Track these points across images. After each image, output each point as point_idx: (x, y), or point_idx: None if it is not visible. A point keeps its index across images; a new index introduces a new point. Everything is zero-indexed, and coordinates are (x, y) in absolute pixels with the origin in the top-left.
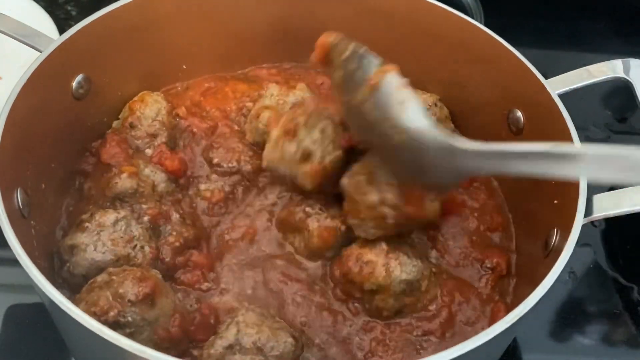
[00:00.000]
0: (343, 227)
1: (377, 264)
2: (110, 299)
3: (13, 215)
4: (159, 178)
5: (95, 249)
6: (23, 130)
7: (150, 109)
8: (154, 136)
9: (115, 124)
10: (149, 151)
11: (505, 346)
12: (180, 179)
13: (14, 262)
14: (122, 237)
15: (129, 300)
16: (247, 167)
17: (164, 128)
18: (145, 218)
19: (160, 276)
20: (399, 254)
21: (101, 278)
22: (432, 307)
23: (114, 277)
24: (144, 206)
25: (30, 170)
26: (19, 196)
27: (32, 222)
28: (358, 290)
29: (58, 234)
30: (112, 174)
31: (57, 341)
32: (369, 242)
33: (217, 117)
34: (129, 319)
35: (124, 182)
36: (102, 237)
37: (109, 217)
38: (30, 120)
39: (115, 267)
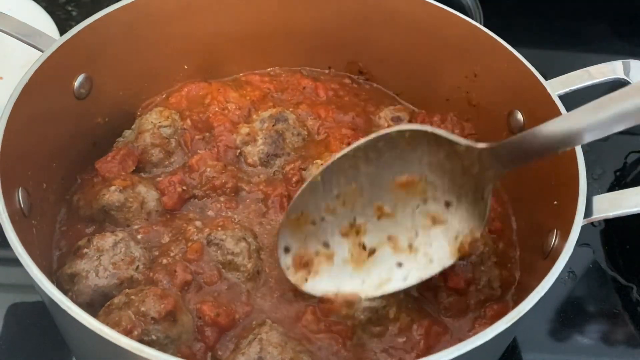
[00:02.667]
0: None
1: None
2: (133, 317)
3: (14, 214)
4: (151, 196)
5: (97, 275)
6: (25, 130)
7: (162, 124)
8: (168, 153)
9: (128, 134)
10: (159, 170)
11: (505, 346)
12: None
13: (15, 261)
14: (123, 260)
15: (152, 318)
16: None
17: (179, 146)
18: (139, 236)
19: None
20: None
21: (118, 299)
22: (403, 339)
23: (133, 297)
24: (135, 226)
25: (32, 170)
26: (20, 195)
27: (33, 221)
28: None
29: (55, 254)
30: (101, 185)
31: (58, 340)
32: None
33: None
34: (153, 337)
35: (111, 195)
36: (102, 261)
37: (107, 240)
38: (32, 120)
39: (119, 291)
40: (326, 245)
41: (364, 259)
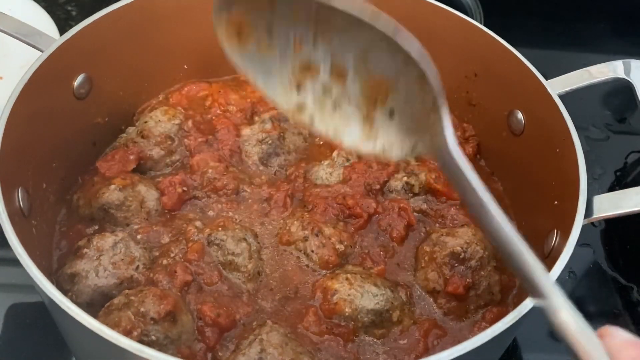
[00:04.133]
0: (341, 247)
1: (342, 294)
2: (132, 318)
3: (14, 214)
4: (150, 196)
5: (97, 275)
6: (24, 130)
7: (166, 123)
8: (170, 152)
9: (130, 131)
10: (160, 169)
11: (506, 346)
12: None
13: (15, 261)
14: (122, 260)
15: (152, 319)
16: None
17: (181, 145)
18: (139, 237)
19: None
20: (365, 283)
21: (118, 300)
22: (404, 341)
23: (132, 298)
24: (135, 226)
25: (32, 170)
26: (20, 195)
27: (32, 221)
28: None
29: (55, 254)
30: (101, 184)
31: (58, 340)
32: (337, 274)
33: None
34: (153, 337)
35: (111, 193)
36: (102, 261)
37: (107, 240)
38: (32, 120)
39: (119, 291)
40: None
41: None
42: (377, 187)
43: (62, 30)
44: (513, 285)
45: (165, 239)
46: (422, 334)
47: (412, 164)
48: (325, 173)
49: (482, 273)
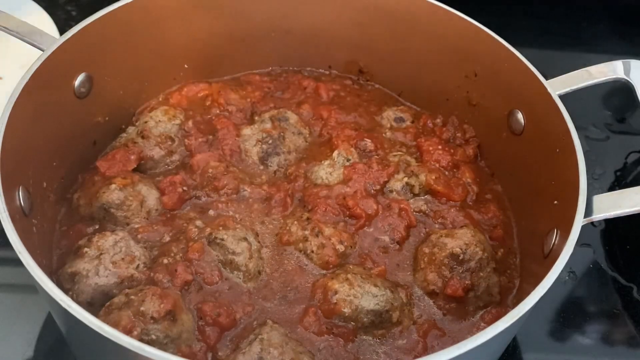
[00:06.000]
0: (342, 248)
1: (342, 294)
2: (132, 317)
3: (15, 213)
4: (151, 195)
5: (97, 274)
6: (25, 129)
7: (166, 123)
8: (170, 152)
9: (131, 131)
10: (161, 168)
11: (506, 345)
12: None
13: (15, 260)
14: (123, 259)
15: (152, 318)
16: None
17: (181, 146)
18: (139, 236)
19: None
20: (365, 284)
21: (118, 299)
22: (404, 342)
23: (132, 297)
24: (135, 226)
25: (32, 169)
26: (20, 194)
27: (33, 220)
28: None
29: (55, 253)
30: (101, 184)
31: (59, 340)
32: (338, 274)
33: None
34: (153, 336)
35: (111, 193)
36: (103, 260)
37: (108, 239)
38: (32, 119)
39: (119, 290)
40: None
41: None
42: (378, 187)
43: (62, 31)
44: (512, 286)
45: (166, 238)
46: (421, 335)
47: (412, 164)
48: (326, 173)
49: (482, 274)
